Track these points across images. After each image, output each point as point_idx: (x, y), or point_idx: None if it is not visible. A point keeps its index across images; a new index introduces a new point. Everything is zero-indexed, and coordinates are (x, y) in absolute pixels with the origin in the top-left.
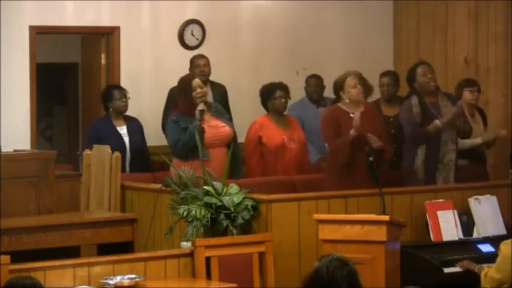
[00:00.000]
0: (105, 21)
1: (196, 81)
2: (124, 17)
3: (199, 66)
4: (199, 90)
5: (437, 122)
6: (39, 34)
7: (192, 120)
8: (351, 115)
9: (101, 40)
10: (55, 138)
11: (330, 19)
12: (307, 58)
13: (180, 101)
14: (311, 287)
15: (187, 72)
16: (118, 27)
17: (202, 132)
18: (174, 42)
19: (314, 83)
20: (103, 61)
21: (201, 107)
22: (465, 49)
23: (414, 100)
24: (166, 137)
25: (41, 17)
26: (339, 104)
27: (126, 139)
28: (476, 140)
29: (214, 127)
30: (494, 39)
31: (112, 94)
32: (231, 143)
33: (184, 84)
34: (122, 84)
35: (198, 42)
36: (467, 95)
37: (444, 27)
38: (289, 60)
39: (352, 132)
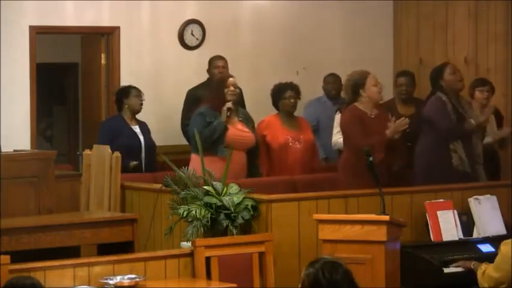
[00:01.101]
0: (105, 21)
1: (232, 80)
2: (124, 17)
3: (218, 67)
4: (232, 88)
5: (472, 121)
6: (39, 34)
7: (218, 117)
8: (371, 116)
9: (101, 40)
10: (55, 138)
11: (330, 19)
12: (307, 58)
13: (211, 96)
14: None
15: (187, 72)
16: (118, 27)
17: (225, 130)
18: (174, 42)
19: (332, 81)
20: (103, 61)
21: (229, 105)
22: (465, 49)
23: (445, 97)
24: (185, 133)
25: (41, 17)
26: (356, 104)
27: (141, 138)
28: (486, 139)
29: (239, 130)
30: (494, 39)
31: (130, 91)
32: (254, 150)
33: (219, 80)
34: (122, 84)
35: (198, 42)
36: (477, 94)
37: (444, 27)
38: (289, 60)
39: (388, 132)
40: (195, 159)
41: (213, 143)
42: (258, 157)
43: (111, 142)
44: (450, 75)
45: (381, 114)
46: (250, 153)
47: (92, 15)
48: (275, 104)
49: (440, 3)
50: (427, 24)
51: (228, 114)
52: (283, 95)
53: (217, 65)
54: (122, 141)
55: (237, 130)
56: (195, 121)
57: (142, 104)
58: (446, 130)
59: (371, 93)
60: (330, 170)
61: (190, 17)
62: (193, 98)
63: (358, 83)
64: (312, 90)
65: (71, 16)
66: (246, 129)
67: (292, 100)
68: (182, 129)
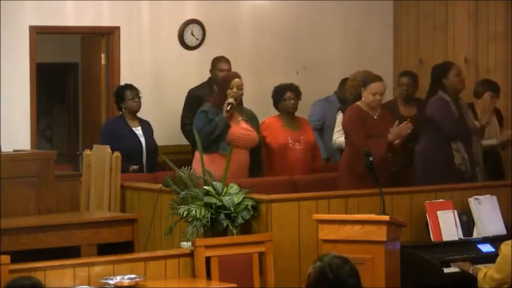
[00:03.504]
0: (105, 21)
1: (237, 80)
2: (124, 17)
3: (223, 70)
4: (235, 89)
5: (476, 123)
6: (39, 34)
7: (221, 114)
8: (374, 116)
9: (101, 40)
10: (55, 138)
11: (330, 19)
12: (307, 58)
13: (215, 94)
14: None
15: (187, 72)
16: (118, 27)
17: (227, 126)
18: (174, 42)
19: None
20: (103, 61)
21: (230, 100)
22: (465, 49)
23: (448, 97)
24: (184, 133)
25: (41, 17)
26: (359, 103)
27: (142, 140)
28: (491, 141)
29: (243, 128)
30: (494, 39)
31: (125, 94)
32: (256, 148)
33: (224, 79)
34: (122, 84)
35: (198, 42)
36: (488, 98)
37: (444, 27)
38: (289, 60)
39: (391, 136)
40: (198, 157)
41: (215, 140)
42: (261, 156)
43: (111, 144)
44: (455, 76)
45: (384, 115)
46: (254, 152)
47: (92, 15)
48: (276, 105)
49: (440, 3)
50: (427, 24)
51: (228, 109)
52: (283, 96)
53: (222, 69)
54: (123, 144)
55: (240, 128)
56: (197, 118)
57: (138, 105)
58: (451, 130)
59: (370, 98)
60: (331, 170)
61: (190, 17)
62: (193, 98)
63: (366, 81)
64: (312, 90)
65: (71, 16)
66: (250, 128)
67: (292, 101)
68: (182, 129)
